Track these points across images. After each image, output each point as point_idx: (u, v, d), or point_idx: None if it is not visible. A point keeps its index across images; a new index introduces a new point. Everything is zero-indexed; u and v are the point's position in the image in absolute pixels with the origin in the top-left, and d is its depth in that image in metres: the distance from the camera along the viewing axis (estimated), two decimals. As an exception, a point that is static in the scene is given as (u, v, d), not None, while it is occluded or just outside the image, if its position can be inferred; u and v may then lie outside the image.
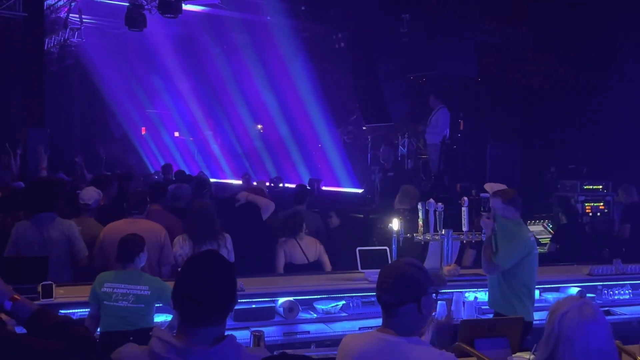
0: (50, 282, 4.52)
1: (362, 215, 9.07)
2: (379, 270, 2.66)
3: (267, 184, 11.82)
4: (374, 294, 2.62)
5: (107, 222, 5.51)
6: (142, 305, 4.20)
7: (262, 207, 6.15)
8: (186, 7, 11.42)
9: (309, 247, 5.90)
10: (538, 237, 8.45)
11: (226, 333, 2.34)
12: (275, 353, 3.79)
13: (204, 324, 2.04)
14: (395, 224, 5.33)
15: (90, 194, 5.80)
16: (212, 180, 11.00)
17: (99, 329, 4.23)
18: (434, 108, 11.15)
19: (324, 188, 12.56)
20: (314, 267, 5.84)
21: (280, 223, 6.20)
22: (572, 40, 11.29)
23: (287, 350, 3.78)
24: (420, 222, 5.37)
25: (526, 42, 12.34)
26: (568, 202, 8.51)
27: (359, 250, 5.35)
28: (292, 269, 5.77)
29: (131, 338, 4.10)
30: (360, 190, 12.06)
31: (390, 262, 4.94)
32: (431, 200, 5.34)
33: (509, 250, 4.63)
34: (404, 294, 2.50)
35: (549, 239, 8.35)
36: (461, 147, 11.70)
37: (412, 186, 6.59)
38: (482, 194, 5.75)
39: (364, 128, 13.81)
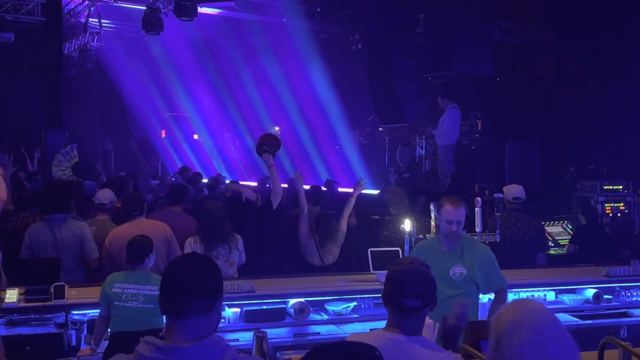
0: (62, 283, 4.56)
1: (378, 217, 9.03)
2: None
3: (285, 185, 11.80)
4: None
5: (123, 223, 5.55)
6: (152, 305, 4.21)
7: (273, 189, 6.15)
8: (202, 10, 11.48)
9: (327, 251, 5.92)
10: (557, 238, 8.34)
11: (231, 336, 2.31)
12: (284, 355, 3.81)
13: (188, 314, 2.00)
14: (407, 225, 5.29)
15: (106, 195, 5.87)
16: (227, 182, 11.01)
17: (109, 330, 4.26)
18: (444, 109, 11.07)
19: (340, 189, 12.52)
20: (329, 270, 5.86)
21: (313, 221, 6.20)
22: (591, 38, 11.13)
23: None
24: (433, 223, 5.31)
25: (544, 41, 12.21)
26: (587, 202, 8.36)
27: (371, 251, 5.31)
28: (308, 268, 5.79)
29: (141, 338, 4.11)
30: (376, 192, 11.99)
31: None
32: (444, 201, 5.27)
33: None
34: (428, 297, 2.52)
35: (568, 240, 8.23)
36: (479, 148, 11.61)
37: (394, 190, 6.55)
38: (495, 195, 5.68)
39: (380, 129, 13.75)
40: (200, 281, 2.05)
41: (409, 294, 2.47)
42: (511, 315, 2.04)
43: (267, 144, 6.27)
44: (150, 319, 4.17)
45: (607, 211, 8.81)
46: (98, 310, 4.34)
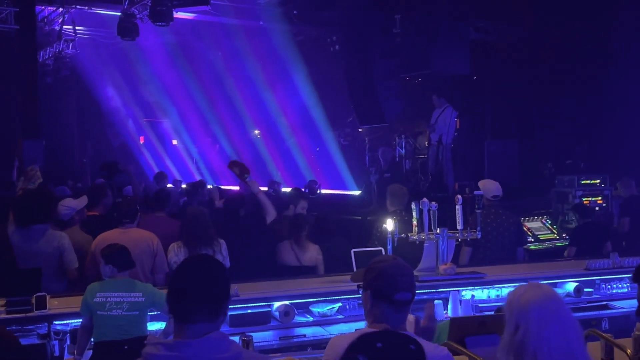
0: (44, 293, 4.50)
1: (360, 217, 9.08)
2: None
3: (265, 188, 11.78)
4: None
5: (103, 231, 5.49)
6: (137, 312, 4.18)
7: (266, 211, 6.35)
8: (177, 14, 11.42)
9: (305, 252, 5.90)
10: (537, 233, 8.41)
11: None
12: (271, 359, 3.80)
13: (195, 320, 2.07)
14: (389, 225, 5.30)
15: (59, 208, 5.74)
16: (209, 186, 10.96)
17: (92, 340, 4.21)
18: (438, 107, 11.10)
19: (321, 191, 12.55)
20: (307, 271, 5.85)
21: (285, 225, 6.23)
22: (567, 35, 11.28)
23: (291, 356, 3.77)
24: (415, 222, 5.34)
25: (520, 39, 12.34)
26: (580, 204, 8.34)
27: (354, 251, 5.32)
28: (285, 271, 5.81)
29: (126, 347, 4.09)
30: (358, 192, 12.04)
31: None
32: (425, 199, 5.30)
33: None
34: (415, 289, 2.60)
35: (547, 235, 8.31)
36: (458, 145, 11.71)
37: (398, 185, 6.61)
38: (475, 192, 5.71)
39: (360, 130, 13.81)
40: (207, 288, 2.10)
41: (401, 287, 2.51)
42: (532, 297, 2.12)
43: (244, 170, 6.53)
44: (135, 327, 4.14)
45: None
46: (80, 320, 4.30)
